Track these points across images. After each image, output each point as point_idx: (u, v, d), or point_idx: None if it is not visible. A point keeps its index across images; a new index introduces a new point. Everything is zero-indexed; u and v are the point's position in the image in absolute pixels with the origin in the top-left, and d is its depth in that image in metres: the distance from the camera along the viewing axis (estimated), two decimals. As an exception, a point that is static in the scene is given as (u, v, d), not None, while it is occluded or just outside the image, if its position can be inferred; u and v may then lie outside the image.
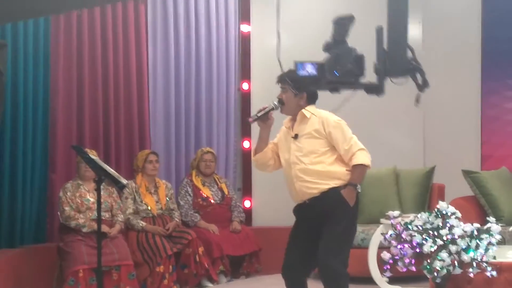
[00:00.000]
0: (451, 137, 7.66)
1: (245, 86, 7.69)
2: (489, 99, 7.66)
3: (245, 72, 7.72)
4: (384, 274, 4.99)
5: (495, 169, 7.05)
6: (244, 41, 7.72)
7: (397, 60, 2.56)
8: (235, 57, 7.69)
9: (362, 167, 4.39)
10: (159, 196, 6.69)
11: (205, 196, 6.97)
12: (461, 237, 4.61)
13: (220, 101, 7.55)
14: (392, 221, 4.95)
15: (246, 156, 7.60)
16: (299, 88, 4.41)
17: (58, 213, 6.07)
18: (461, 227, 4.66)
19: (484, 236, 4.63)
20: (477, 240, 4.60)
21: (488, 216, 5.11)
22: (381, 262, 5.07)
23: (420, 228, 4.74)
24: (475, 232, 4.64)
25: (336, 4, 7.35)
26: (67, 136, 6.51)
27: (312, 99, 4.51)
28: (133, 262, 6.07)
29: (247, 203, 7.62)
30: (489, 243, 4.61)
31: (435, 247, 4.61)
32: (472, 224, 4.70)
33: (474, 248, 4.58)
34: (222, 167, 7.52)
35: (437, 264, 4.55)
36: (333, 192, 4.36)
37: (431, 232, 4.69)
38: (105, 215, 6.03)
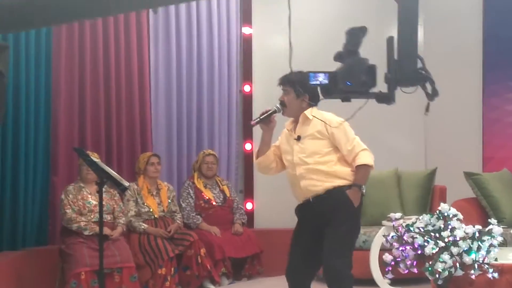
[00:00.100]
0: (453, 139, 7.66)
1: (246, 88, 7.70)
2: (490, 101, 7.66)
3: (246, 74, 7.73)
4: (386, 276, 5.00)
5: (496, 171, 7.05)
6: (246, 43, 7.72)
7: (407, 70, 2.60)
8: (237, 59, 7.69)
9: (365, 167, 4.41)
10: (161, 198, 6.70)
11: (207, 198, 6.98)
12: (463, 239, 4.61)
13: (221, 103, 7.56)
14: (393, 223, 4.95)
15: (247, 158, 7.60)
16: (301, 90, 4.43)
17: (60, 215, 6.08)
18: (462, 229, 4.67)
19: (485, 237, 4.64)
20: (479, 242, 4.60)
21: (490, 218, 5.11)
22: (383, 264, 5.08)
23: (422, 230, 4.75)
24: (477, 234, 4.65)
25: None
26: (69, 139, 6.51)
27: (314, 101, 4.51)
28: (135, 264, 6.07)
29: (249, 205, 7.62)
30: (491, 245, 4.62)
31: (437, 249, 4.61)
32: (473, 226, 4.71)
33: (476, 250, 4.58)
34: (224, 169, 7.53)
35: (439, 266, 4.55)
36: (338, 191, 4.37)
37: (432, 234, 4.70)
38: (107, 217, 6.04)
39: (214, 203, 6.99)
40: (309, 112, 4.47)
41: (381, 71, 2.67)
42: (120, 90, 6.86)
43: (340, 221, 4.34)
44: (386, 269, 4.92)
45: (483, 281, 4.63)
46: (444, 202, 5.17)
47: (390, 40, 2.63)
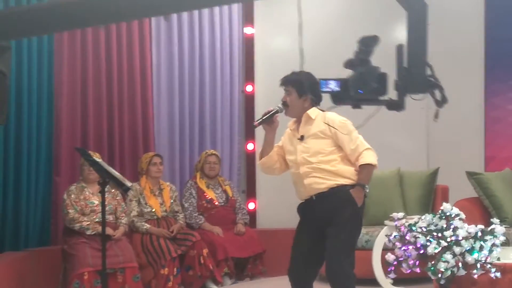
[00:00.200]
0: (455, 138, 7.66)
1: (249, 88, 7.70)
2: (492, 100, 7.66)
3: (249, 74, 7.73)
4: (389, 275, 5.01)
5: (499, 170, 7.05)
6: (248, 43, 7.72)
7: (417, 77, 2.63)
8: (239, 59, 7.70)
9: (369, 166, 4.40)
10: (164, 198, 6.70)
11: (210, 198, 6.98)
12: (465, 238, 4.62)
13: (224, 103, 7.56)
14: (396, 222, 4.96)
15: (250, 158, 7.61)
16: (304, 90, 4.43)
17: (62, 216, 6.08)
18: (465, 229, 4.67)
19: (488, 237, 4.64)
20: (481, 242, 4.61)
21: (492, 218, 5.12)
22: (385, 263, 5.08)
23: (424, 230, 4.75)
24: (479, 234, 4.65)
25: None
26: (71, 139, 6.51)
27: (316, 101, 4.52)
28: (138, 265, 6.08)
29: (251, 205, 7.62)
30: (493, 245, 4.62)
31: (439, 249, 4.62)
32: (476, 226, 4.71)
33: (478, 249, 4.58)
34: (226, 169, 7.53)
35: (441, 266, 4.55)
36: (341, 190, 4.37)
37: (435, 233, 4.70)
38: (109, 217, 6.03)
39: (216, 203, 6.99)
40: (312, 111, 4.47)
41: (391, 78, 2.70)
42: (122, 90, 6.87)
43: (342, 220, 4.34)
44: (389, 269, 4.92)
45: (485, 280, 4.63)
46: (447, 201, 5.17)
47: (399, 48, 2.66)
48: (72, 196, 6.03)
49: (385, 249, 5.47)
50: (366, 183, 4.39)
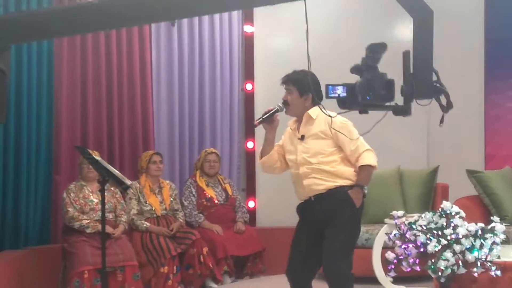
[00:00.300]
0: (455, 136, 7.65)
1: (248, 86, 7.70)
2: (492, 98, 7.66)
3: (248, 73, 7.73)
4: (389, 274, 4.99)
5: (499, 168, 7.05)
6: (248, 42, 7.73)
7: (423, 83, 2.65)
8: (239, 58, 7.70)
9: (369, 167, 4.39)
10: (163, 196, 6.70)
11: (209, 196, 6.98)
12: (465, 236, 4.61)
13: (223, 101, 7.57)
14: (396, 221, 4.95)
15: (250, 157, 7.61)
16: (305, 89, 4.41)
17: (62, 214, 6.08)
18: (465, 227, 4.66)
19: (488, 235, 4.63)
20: (481, 240, 4.60)
21: (492, 216, 5.11)
22: (385, 262, 5.08)
23: (424, 228, 4.74)
24: (479, 232, 4.65)
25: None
26: (71, 138, 6.51)
27: (317, 100, 4.49)
28: (138, 263, 6.08)
29: (251, 204, 7.63)
30: (493, 243, 4.62)
31: (439, 247, 4.61)
32: (476, 224, 4.70)
33: (479, 247, 4.58)
34: (226, 168, 7.53)
35: (442, 264, 4.55)
36: (339, 191, 4.36)
37: (435, 231, 4.69)
38: (109, 216, 6.03)
39: (216, 201, 6.99)
40: (313, 111, 4.46)
41: (397, 84, 2.71)
42: (122, 88, 6.86)
43: (341, 221, 4.33)
44: (389, 267, 4.91)
45: (485, 279, 4.62)
46: (447, 200, 5.15)
47: (406, 54, 2.67)
48: (72, 194, 6.03)
49: (385, 247, 5.47)
50: (365, 184, 4.38)
